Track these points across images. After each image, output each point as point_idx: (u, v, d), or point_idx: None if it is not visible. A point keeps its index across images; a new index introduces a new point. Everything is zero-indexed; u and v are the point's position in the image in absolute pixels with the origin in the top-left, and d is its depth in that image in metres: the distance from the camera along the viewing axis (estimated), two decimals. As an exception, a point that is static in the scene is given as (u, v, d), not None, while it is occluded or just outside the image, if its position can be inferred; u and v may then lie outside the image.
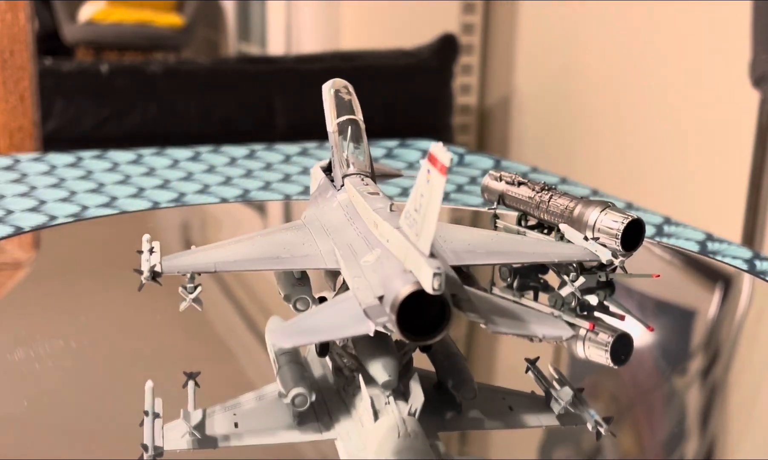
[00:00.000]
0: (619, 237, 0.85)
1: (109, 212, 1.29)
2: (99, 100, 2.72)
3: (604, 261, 0.82)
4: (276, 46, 4.61)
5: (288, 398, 0.66)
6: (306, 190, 1.44)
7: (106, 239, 0.78)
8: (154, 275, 0.74)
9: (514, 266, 0.94)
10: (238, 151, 1.63)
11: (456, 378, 0.70)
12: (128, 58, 4.70)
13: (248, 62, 3.43)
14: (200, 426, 0.65)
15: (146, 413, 0.66)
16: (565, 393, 0.69)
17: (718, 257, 1.18)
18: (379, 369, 0.65)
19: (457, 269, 0.73)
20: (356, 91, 0.96)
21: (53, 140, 2.36)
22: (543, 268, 0.94)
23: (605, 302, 0.90)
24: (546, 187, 0.96)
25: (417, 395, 0.65)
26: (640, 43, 2.86)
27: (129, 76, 2.81)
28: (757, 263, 1.17)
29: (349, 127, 0.89)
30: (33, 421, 0.73)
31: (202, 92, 2.85)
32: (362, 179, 0.84)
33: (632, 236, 0.87)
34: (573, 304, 0.88)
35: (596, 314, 0.89)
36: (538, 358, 0.74)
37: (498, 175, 1.01)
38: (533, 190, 0.97)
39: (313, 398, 0.67)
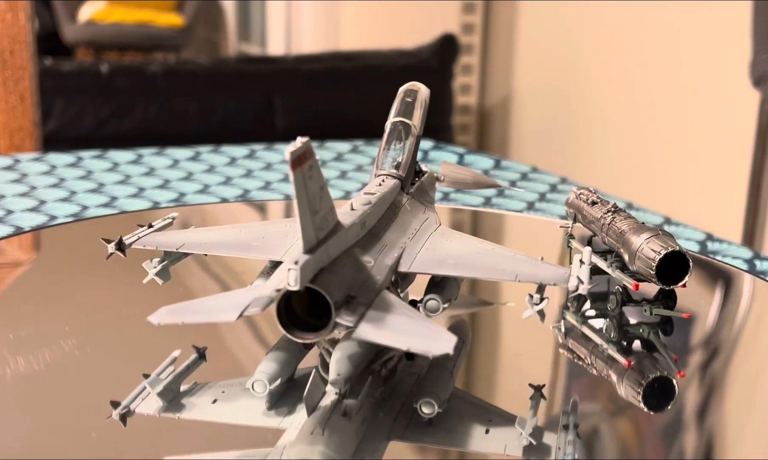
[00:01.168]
0: (653, 268, 0.81)
1: (109, 212, 1.29)
2: (99, 100, 2.72)
3: (569, 287, 0.71)
4: (276, 46, 4.61)
5: (248, 383, 0.68)
6: (306, 190, 1.44)
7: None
8: (120, 246, 0.78)
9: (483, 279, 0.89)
10: (238, 151, 1.63)
11: (423, 390, 0.69)
12: (128, 58, 4.70)
13: (248, 62, 3.43)
14: (177, 395, 0.70)
15: (145, 376, 0.69)
16: (528, 424, 0.66)
17: (718, 257, 1.18)
18: (332, 366, 0.66)
19: (432, 279, 0.77)
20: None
21: (53, 140, 2.37)
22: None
23: (652, 339, 0.86)
24: (614, 209, 0.92)
25: (356, 398, 0.66)
26: (640, 43, 2.86)
27: (129, 76, 2.81)
28: (757, 263, 1.17)
29: (395, 129, 0.90)
30: (33, 420, 0.73)
31: (202, 92, 2.85)
32: (383, 180, 0.84)
33: (677, 269, 0.82)
34: (613, 335, 0.86)
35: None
36: (543, 385, 0.71)
37: (579, 191, 0.98)
38: (602, 210, 0.93)
39: (273, 386, 0.68)
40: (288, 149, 0.63)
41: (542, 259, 0.75)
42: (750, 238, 2.35)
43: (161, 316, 0.64)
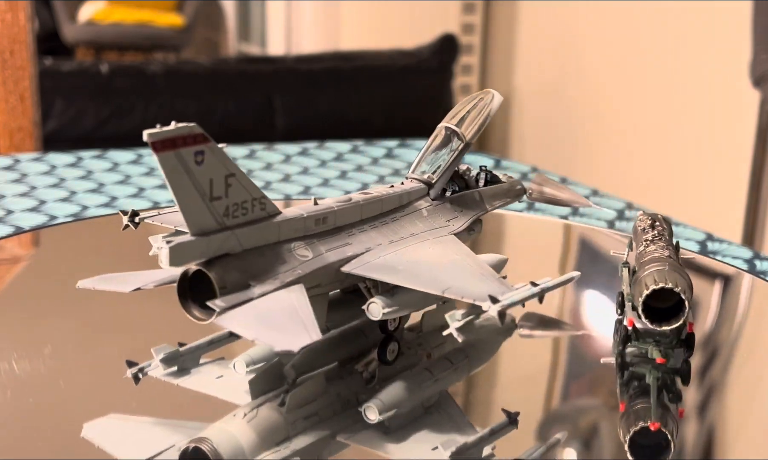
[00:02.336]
0: (640, 304, 0.75)
1: (109, 212, 1.29)
2: (99, 100, 2.72)
3: (483, 308, 0.69)
4: (276, 46, 4.61)
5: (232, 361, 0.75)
6: (306, 190, 1.44)
7: (106, 239, 0.79)
8: (133, 217, 0.80)
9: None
10: (238, 151, 1.63)
11: (373, 395, 0.71)
12: (128, 58, 4.70)
13: (248, 62, 3.43)
14: (193, 366, 0.77)
15: (180, 345, 0.74)
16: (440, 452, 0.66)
17: (718, 257, 1.18)
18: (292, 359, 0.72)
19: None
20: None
21: (53, 140, 2.36)
22: None
23: (650, 384, 0.79)
24: (655, 237, 0.85)
25: (296, 390, 0.71)
26: (640, 43, 2.86)
27: (129, 76, 2.80)
28: (757, 263, 1.17)
29: (440, 134, 0.88)
30: (32, 418, 0.73)
31: (202, 92, 2.85)
32: (401, 183, 0.85)
33: (673, 307, 0.77)
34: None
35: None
36: (518, 413, 0.71)
37: (639, 216, 0.92)
38: (645, 237, 0.86)
39: (252, 367, 0.73)
40: (146, 132, 0.64)
41: (505, 277, 0.74)
42: (750, 238, 2.35)
43: (94, 281, 0.75)
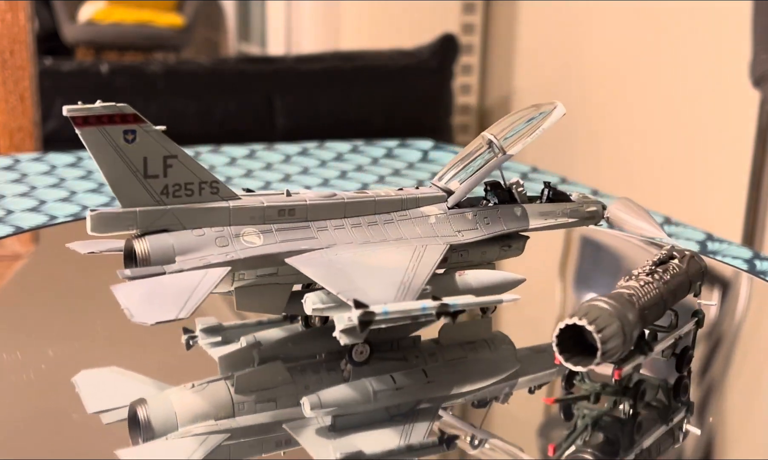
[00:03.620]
0: (554, 339, 0.70)
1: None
2: (99, 100, 2.72)
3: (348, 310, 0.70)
4: (276, 46, 4.61)
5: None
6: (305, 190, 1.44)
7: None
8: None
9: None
10: (238, 151, 1.63)
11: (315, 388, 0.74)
12: (128, 58, 4.69)
13: (248, 62, 3.43)
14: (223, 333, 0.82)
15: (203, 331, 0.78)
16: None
17: (718, 257, 1.18)
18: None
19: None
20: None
21: (53, 140, 2.36)
22: None
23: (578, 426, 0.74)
24: (650, 270, 0.79)
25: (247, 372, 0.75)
26: (640, 43, 2.86)
27: (129, 76, 2.80)
28: (757, 263, 1.17)
29: (477, 141, 0.86)
30: (31, 416, 0.73)
31: (202, 92, 2.85)
32: (416, 188, 0.85)
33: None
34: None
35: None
36: (455, 437, 0.71)
37: (667, 249, 0.84)
38: (633, 274, 0.79)
39: (245, 342, 0.80)
40: (65, 108, 0.71)
41: (429, 291, 0.73)
42: (750, 238, 2.35)
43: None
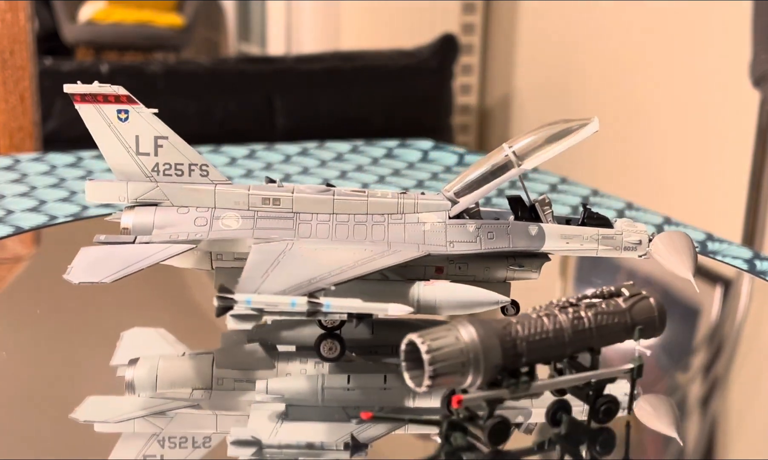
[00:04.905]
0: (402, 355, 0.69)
1: (109, 212, 1.29)
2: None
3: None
4: (276, 46, 4.61)
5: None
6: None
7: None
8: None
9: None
10: (238, 151, 1.63)
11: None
12: (128, 58, 4.69)
13: (248, 62, 3.43)
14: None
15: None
16: None
17: (718, 257, 1.18)
18: None
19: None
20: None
21: (53, 140, 2.36)
22: None
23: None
24: (554, 310, 0.72)
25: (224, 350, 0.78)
26: (640, 43, 2.86)
27: (129, 76, 2.80)
28: (757, 263, 1.17)
29: (496, 154, 0.83)
30: (31, 415, 0.73)
31: (202, 92, 2.85)
32: (422, 194, 0.84)
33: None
34: None
35: None
36: (366, 445, 0.71)
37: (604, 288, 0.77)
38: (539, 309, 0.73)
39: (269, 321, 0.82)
40: (66, 86, 0.79)
41: (331, 290, 0.73)
42: (750, 238, 2.35)
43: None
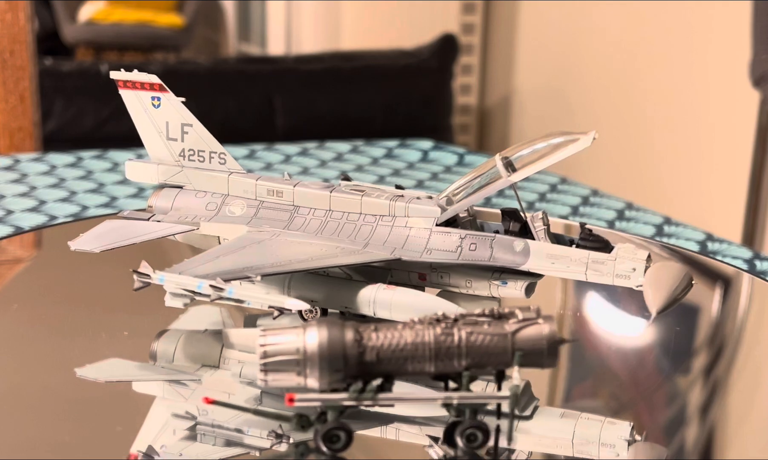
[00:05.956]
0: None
1: (109, 212, 1.29)
2: (99, 100, 2.72)
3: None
4: (276, 46, 4.61)
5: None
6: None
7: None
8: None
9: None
10: (238, 151, 1.63)
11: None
12: (128, 58, 4.69)
13: (248, 62, 3.43)
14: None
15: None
16: None
17: (718, 257, 1.18)
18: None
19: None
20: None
21: (53, 140, 2.36)
22: None
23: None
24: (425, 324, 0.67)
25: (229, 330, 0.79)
26: (640, 43, 2.86)
27: (129, 76, 2.80)
28: (757, 263, 1.17)
29: (491, 163, 0.81)
30: (32, 414, 0.73)
31: (202, 92, 2.85)
32: (418, 198, 0.84)
33: None
34: None
35: None
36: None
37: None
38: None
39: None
40: (112, 72, 0.87)
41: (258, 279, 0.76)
42: (750, 238, 2.35)
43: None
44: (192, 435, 0.69)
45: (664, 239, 1.25)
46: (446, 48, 3.09)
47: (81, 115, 2.70)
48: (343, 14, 4.02)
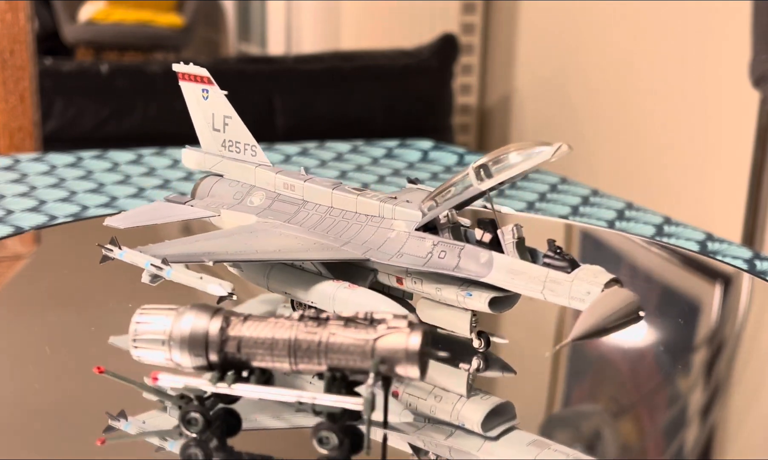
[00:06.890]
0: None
1: (109, 212, 1.29)
2: (99, 100, 2.72)
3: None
4: (276, 46, 4.61)
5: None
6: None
7: (106, 239, 0.79)
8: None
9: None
10: (238, 151, 1.63)
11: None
12: (128, 58, 4.70)
13: (248, 62, 3.43)
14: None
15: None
16: None
17: (718, 257, 1.18)
18: None
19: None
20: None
21: (53, 140, 2.36)
22: None
23: None
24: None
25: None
26: (640, 43, 2.86)
27: (129, 76, 2.80)
28: (757, 263, 1.17)
29: (464, 177, 0.80)
30: (33, 414, 0.73)
31: (202, 92, 2.85)
32: (408, 201, 0.84)
33: None
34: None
35: None
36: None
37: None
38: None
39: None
40: (174, 64, 0.94)
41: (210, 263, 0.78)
42: (750, 238, 2.35)
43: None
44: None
45: (664, 239, 1.25)
46: (446, 48, 3.09)
47: (81, 115, 2.70)
48: (343, 14, 4.03)
